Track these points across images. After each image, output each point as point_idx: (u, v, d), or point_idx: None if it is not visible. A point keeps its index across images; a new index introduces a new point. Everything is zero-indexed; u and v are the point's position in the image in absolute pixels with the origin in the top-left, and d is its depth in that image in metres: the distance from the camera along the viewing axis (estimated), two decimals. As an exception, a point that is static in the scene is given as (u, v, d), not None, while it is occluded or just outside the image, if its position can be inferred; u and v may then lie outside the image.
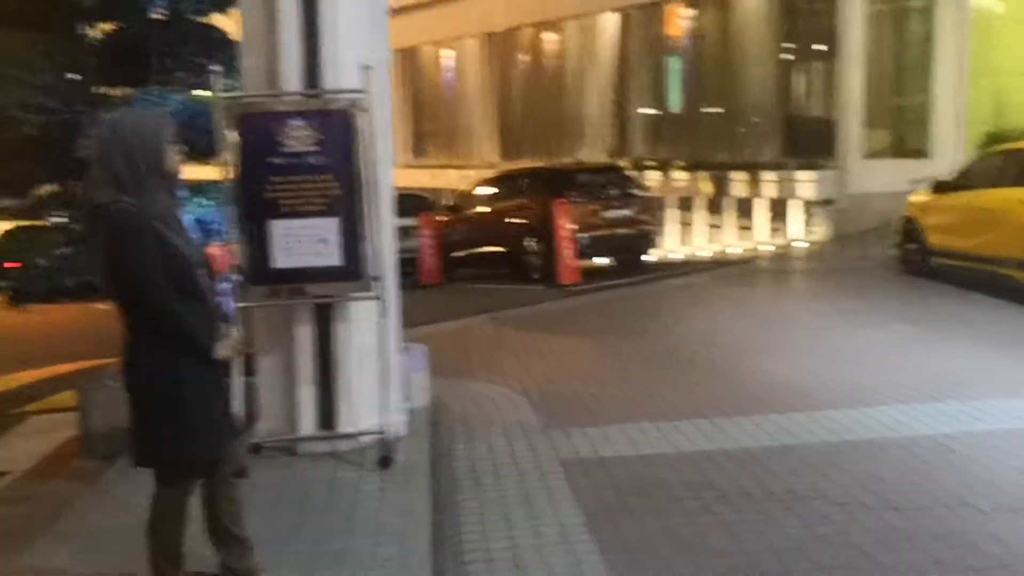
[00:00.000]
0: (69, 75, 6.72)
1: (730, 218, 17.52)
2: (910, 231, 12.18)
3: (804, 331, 9.47)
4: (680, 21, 19.93)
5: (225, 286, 4.91)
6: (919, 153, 17.21)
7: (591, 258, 14.59)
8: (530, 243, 14.49)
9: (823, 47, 17.04)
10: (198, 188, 6.43)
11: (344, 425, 5.47)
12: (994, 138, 17.62)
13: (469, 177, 23.27)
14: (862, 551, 4.27)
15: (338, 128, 5.16)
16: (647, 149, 19.94)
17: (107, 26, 6.95)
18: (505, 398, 7.27)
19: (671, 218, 18.42)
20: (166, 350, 3.39)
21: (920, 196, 12.47)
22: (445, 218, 16.42)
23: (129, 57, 6.63)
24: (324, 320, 5.39)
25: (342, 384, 5.43)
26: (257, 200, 5.15)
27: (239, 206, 5.16)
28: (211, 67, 5.79)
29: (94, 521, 4.75)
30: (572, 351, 9.38)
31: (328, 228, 5.18)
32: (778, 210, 16.91)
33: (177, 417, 3.42)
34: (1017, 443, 5.58)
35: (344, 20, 5.22)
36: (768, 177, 16.96)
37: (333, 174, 5.16)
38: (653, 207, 15.60)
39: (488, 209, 15.80)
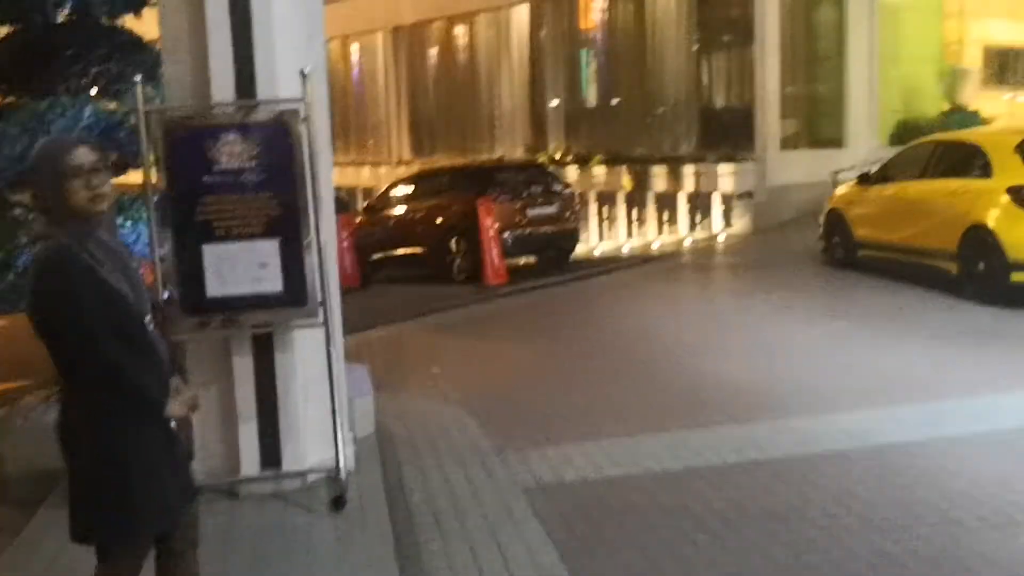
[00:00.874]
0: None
1: (651, 212, 17.47)
2: (835, 223, 12.20)
3: (743, 328, 9.36)
4: (593, 13, 19.74)
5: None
6: (834, 143, 17.38)
7: (517, 257, 14.33)
8: (453, 243, 14.15)
9: (739, 38, 17.05)
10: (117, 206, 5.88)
11: (290, 463, 5.04)
12: (905, 126, 17.96)
13: (382, 174, 22.74)
14: (857, 580, 4.08)
15: (276, 141, 4.73)
16: (564, 144, 19.73)
17: (1, 28, 6.34)
18: (450, 416, 6.91)
19: (591, 213, 18.30)
20: (109, 408, 2.95)
21: (845, 188, 12.52)
22: (362, 219, 15.95)
23: (28, 62, 6.02)
24: (264, 350, 4.95)
25: (286, 419, 5.00)
26: (188, 222, 4.68)
27: (169, 229, 4.68)
28: (121, 74, 5.26)
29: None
30: (509, 357, 9.08)
31: (268, 251, 4.74)
32: (698, 203, 16.91)
33: (122, 485, 2.99)
34: (986, 449, 5.49)
35: (279, 22, 4.78)
36: (688, 170, 16.91)
37: (272, 191, 4.73)
38: (576, 203, 15.41)
39: (407, 209, 15.38)
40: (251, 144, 4.68)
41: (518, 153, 20.27)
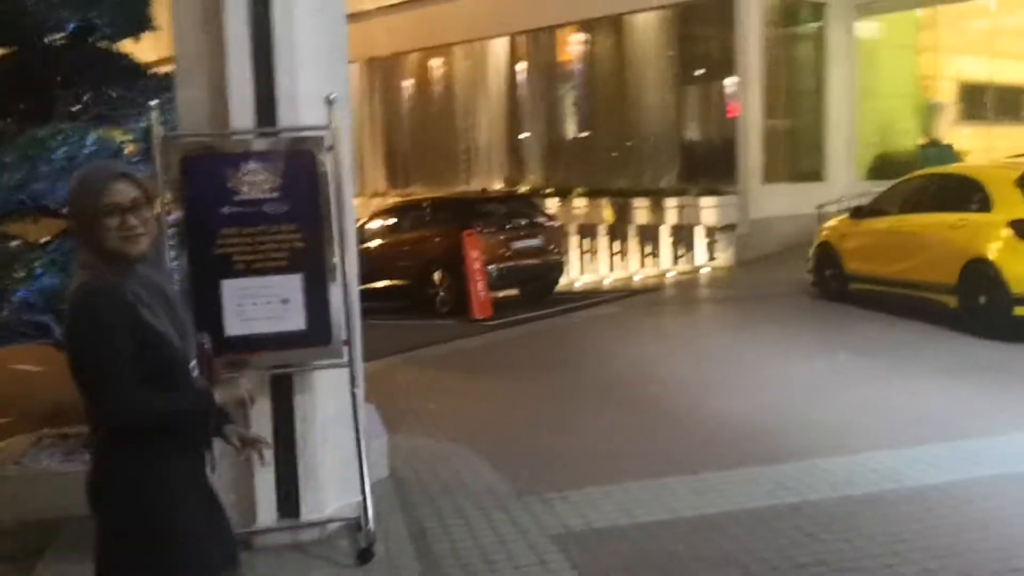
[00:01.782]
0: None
1: (633, 245, 17.36)
2: (826, 256, 12.12)
3: (746, 364, 9.17)
4: (572, 46, 19.71)
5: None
6: (815, 176, 17.44)
7: (501, 290, 14.11)
8: (437, 276, 13.90)
9: (720, 71, 17.07)
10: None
11: (309, 512, 4.74)
12: (882, 160, 18.10)
13: (356, 206, 22.44)
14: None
15: (300, 170, 4.47)
16: (544, 176, 19.61)
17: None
18: (459, 458, 6.62)
19: (573, 246, 18.15)
20: (148, 461, 2.66)
21: (836, 221, 12.47)
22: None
23: (24, 87, 5.72)
24: (284, 392, 4.66)
25: (306, 466, 4.70)
26: (205, 257, 4.39)
27: (184, 264, 4.39)
28: (121, 99, 4.98)
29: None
30: (509, 393, 8.81)
31: (291, 286, 4.47)
32: (681, 236, 16.82)
33: (161, 549, 2.69)
34: (1027, 490, 5.31)
35: (302, 45, 4.53)
36: (670, 203, 16.85)
37: (295, 223, 4.46)
38: (560, 236, 15.26)
39: (387, 241, 15.10)
40: (273, 173, 4.42)
41: (496, 185, 20.11)
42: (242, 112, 4.49)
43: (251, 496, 4.69)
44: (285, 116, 4.53)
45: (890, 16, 18.29)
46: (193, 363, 2.78)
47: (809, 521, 5.06)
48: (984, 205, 9.55)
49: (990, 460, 5.81)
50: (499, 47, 20.79)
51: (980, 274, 9.27)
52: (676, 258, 16.67)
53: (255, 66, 4.45)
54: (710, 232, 16.35)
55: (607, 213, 17.68)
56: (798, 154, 17.91)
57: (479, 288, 13.09)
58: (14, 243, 5.14)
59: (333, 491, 4.84)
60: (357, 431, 4.73)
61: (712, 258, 16.28)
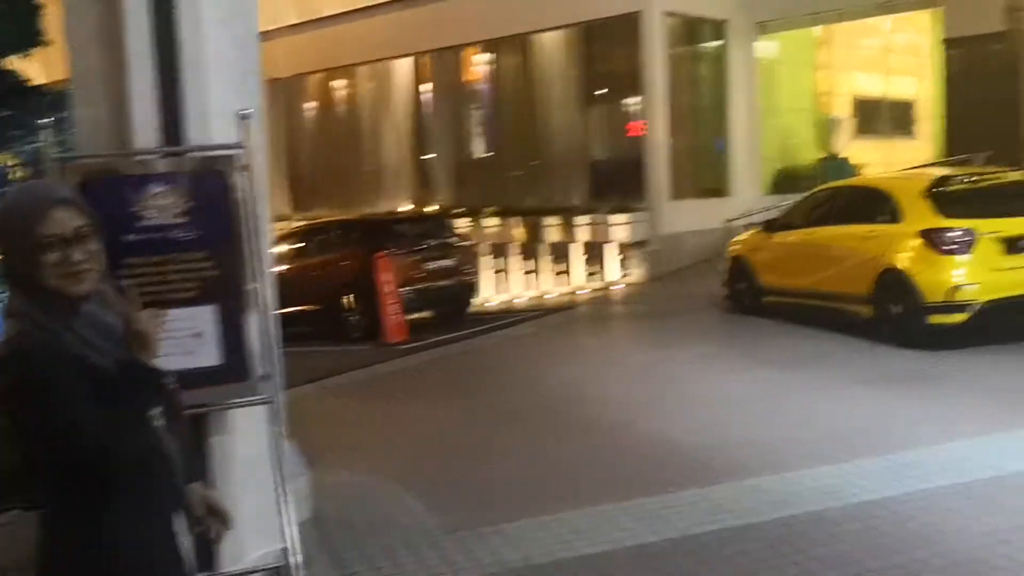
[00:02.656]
0: None
1: (545, 264, 17.22)
2: (740, 270, 12.18)
3: (670, 382, 9.06)
4: (478, 66, 19.58)
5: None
6: (721, 192, 17.63)
7: (415, 313, 13.77)
8: (348, 300, 13.51)
9: (626, 90, 17.14)
10: None
11: (229, 563, 4.35)
12: (783, 174, 18.42)
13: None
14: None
15: (211, 192, 4.12)
16: (452, 196, 19.38)
17: None
18: (385, 492, 6.31)
19: (485, 265, 17.92)
20: (105, 526, 2.26)
21: (747, 235, 12.54)
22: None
23: None
24: (197, 433, 4.28)
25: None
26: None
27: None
28: (9, 120, 4.58)
29: None
30: (430, 421, 8.49)
31: (203, 319, 4.10)
32: (593, 253, 16.77)
33: None
34: (969, 502, 5.26)
35: (213, 58, 4.20)
36: (581, 221, 16.79)
37: (207, 250, 4.10)
38: (471, 256, 15.02)
39: (295, 265, 14.61)
40: (182, 196, 4.05)
41: (404, 207, 19.80)
42: (146, 131, 4.11)
43: (164, 549, 4.28)
44: (194, 134, 4.18)
45: (788, 34, 18.69)
46: (158, 410, 2.41)
47: (757, 544, 4.91)
48: (894, 216, 9.68)
49: (923, 473, 5.77)
50: (404, 67, 20.53)
51: (894, 284, 9.38)
52: (589, 275, 16.60)
53: (160, 81, 4.09)
54: (622, 248, 16.34)
55: (518, 232, 17.53)
56: (704, 170, 18.09)
57: (392, 311, 12.76)
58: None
59: (254, 538, 4.47)
60: (281, 473, 4.38)
61: (625, 274, 16.26)
